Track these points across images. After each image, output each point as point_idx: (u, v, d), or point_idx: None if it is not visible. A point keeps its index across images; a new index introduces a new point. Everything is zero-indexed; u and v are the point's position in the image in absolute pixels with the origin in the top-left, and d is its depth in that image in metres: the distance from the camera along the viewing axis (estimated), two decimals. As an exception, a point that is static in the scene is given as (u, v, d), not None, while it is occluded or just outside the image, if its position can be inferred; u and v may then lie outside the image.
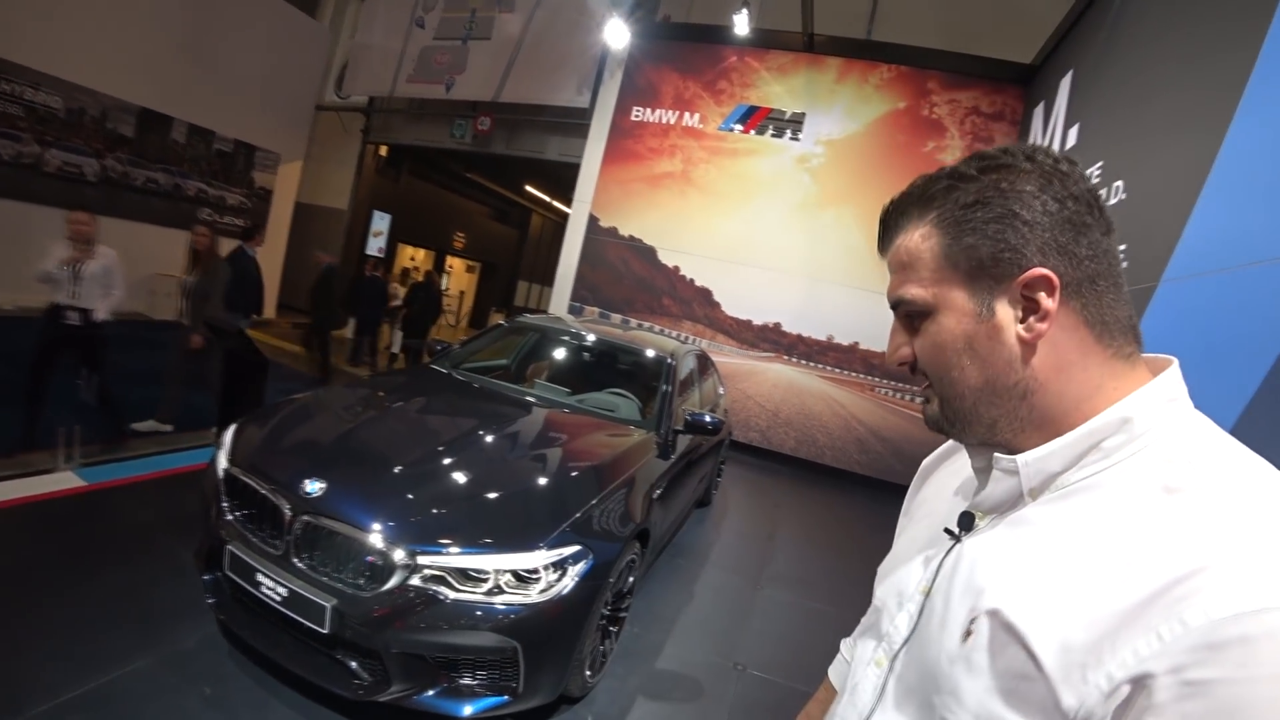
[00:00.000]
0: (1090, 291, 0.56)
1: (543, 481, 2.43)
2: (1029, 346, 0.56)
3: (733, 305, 7.16)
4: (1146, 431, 0.54)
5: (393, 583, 1.89)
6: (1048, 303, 0.55)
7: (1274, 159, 2.83)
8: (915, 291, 0.61)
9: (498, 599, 1.94)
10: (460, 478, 2.29)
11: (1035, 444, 0.57)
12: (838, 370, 6.91)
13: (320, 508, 1.98)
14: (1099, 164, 4.58)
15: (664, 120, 7.40)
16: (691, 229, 7.29)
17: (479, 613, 1.91)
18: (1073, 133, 5.19)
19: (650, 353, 3.85)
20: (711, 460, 4.40)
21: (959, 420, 0.61)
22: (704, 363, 4.64)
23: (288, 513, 1.98)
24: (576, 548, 2.12)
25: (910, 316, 0.63)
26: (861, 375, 6.87)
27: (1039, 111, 6.16)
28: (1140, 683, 0.43)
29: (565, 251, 7.71)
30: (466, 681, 1.96)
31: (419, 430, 2.69)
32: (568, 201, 8.38)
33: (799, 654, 3.15)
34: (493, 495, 2.24)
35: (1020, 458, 0.57)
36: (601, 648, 2.43)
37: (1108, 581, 0.47)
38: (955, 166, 0.60)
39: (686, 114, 7.33)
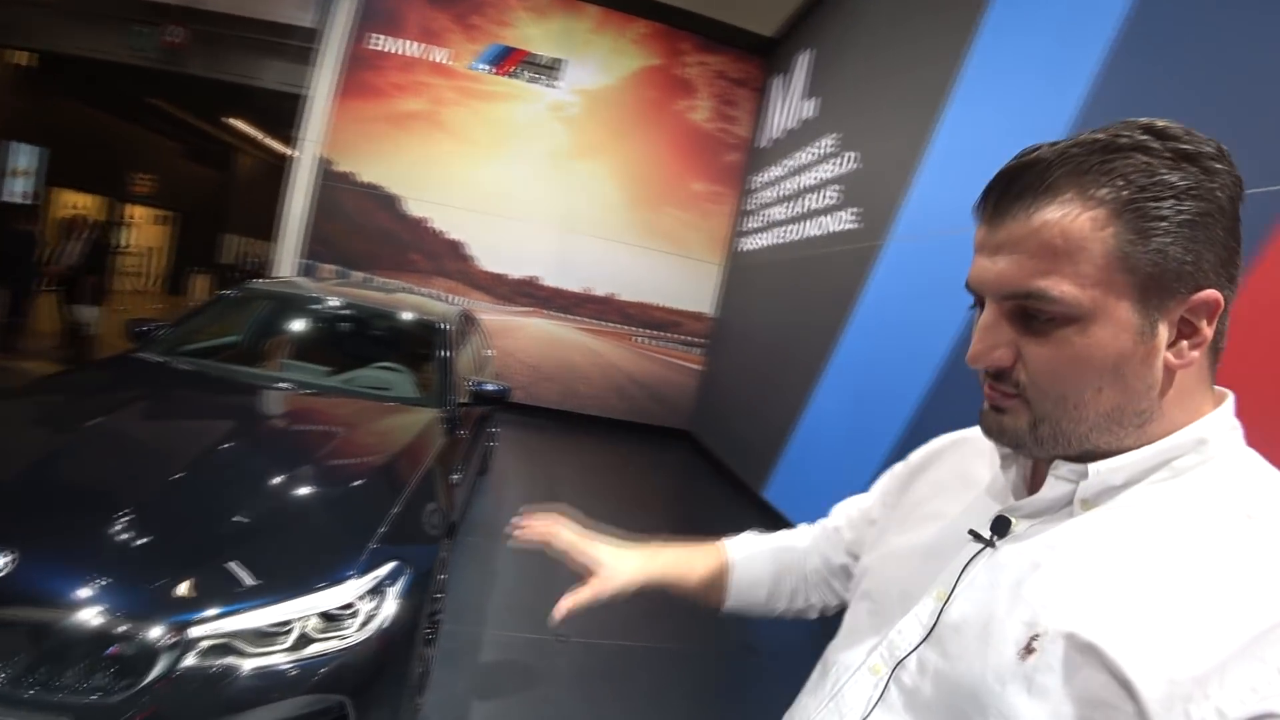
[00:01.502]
0: (1225, 318, 0.50)
1: (331, 493, 2.00)
2: (1169, 374, 0.50)
3: (487, 259, 6.79)
4: (1216, 456, 0.51)
5: (156, 672, 1.38)
6: (1206, 330, 0.49)
7: (975, 144, 3.41)
8: (1068, 290, 0.48)
9: (309, 650, 1.56)
10: (220, 508, 1.77)
11: (1109, 443, 0.52)
12: (595, 321, 7.02)
13: (10, 593, 1.36)
14: (835, 135, 5.11)
15: (408, 53, 6.54)
16: (441, 177, 6.65)
17: (289, 675, 1.51)
18: (811, 105, 5.75)
19: (419, 318, 3.43)
20: (486, 426, 4.15)
21: (1058, 440, 0.52)
22: (470, 323, 4.31)
23: None
24: (392, 564, 1.78)
25: (1031, 315, 0.50)
26: (619, 325, 7.07)
27: (778, 82, 6.68)
28: None
29: (290, 200, 6.47)
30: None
31: (144, 449, 2.03)
32: (288, 140, 7.00)
33: (612, 610, 3.14)
34: (271, 524, 1.78)
35: (1093, 467, 0.51)
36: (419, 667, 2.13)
37: (1210, 609, 0.43)
38: (1126, 135, 0.47)
39: (435, 48, 6.57)
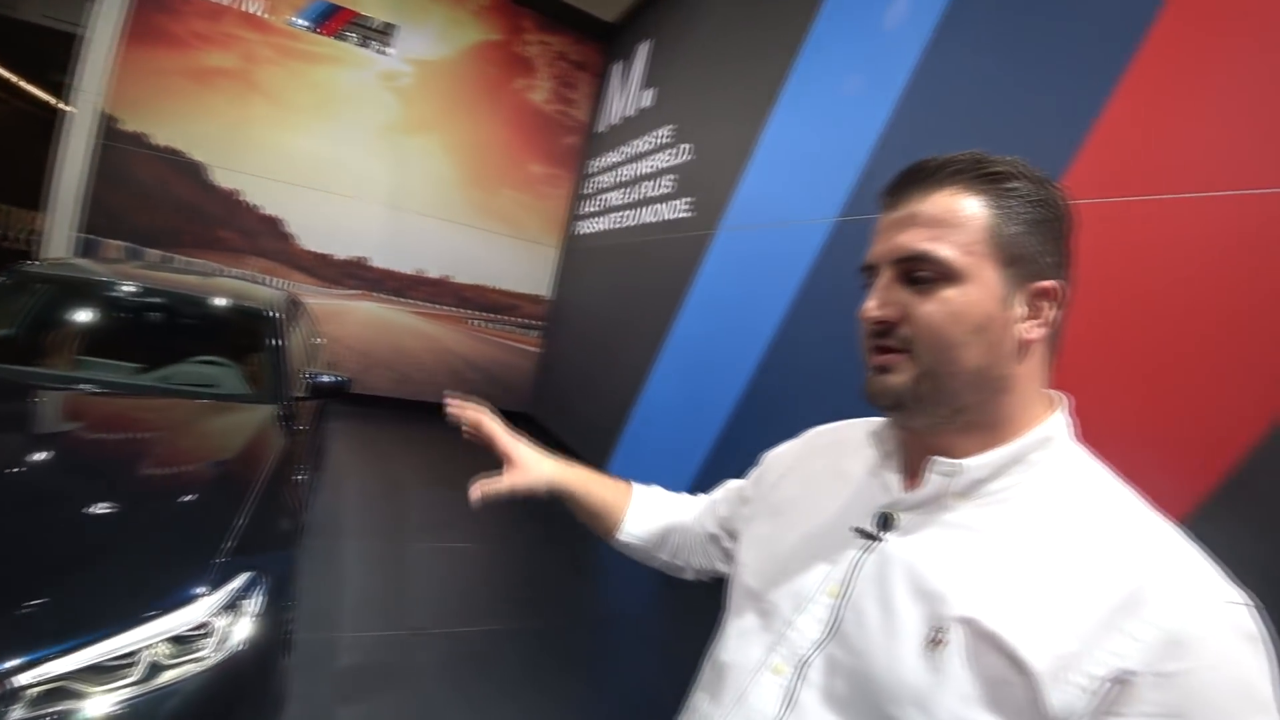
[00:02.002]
0: (1063, 317, 0.62)
1: (167, 506, 1.81)
2: (1023, 348, 0.59)
3: (310, 238, 6.17)
4: (1059, 451, 0.61)
5: None
6: (1049, 314, 0.60)
7: (798, 143, 3.75)
8: (948, 252, 0.58)
9: (162, 679, 1.43)
10: (31, 536, 1.55)
11: (973, 447, 0.60)
12: (429, 305, 6.70)
13: None
14: (672, 125, 5.30)
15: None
16: (256, 145, 5.88)
17: (140, 710, 1.38)
18: (649, 94, 5.87)
19: (242, 304, 3.13)
20: (323, 420, 3.90)
21: (935, 397, 0.59)
22: (298, 308, 3.99)
23: None
24: (246, 575, 1.68)
25: (918, 278, 0.59)
26: (454, 309, 6.82)
27: (618, 68, 6.72)
28: (1120, 679, 0.48)
29: (62, 162, 5.34)
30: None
31: None
32: (55, 88, 5.77)
33: (467, 596, 3.16)
34: (99, 546, 1.59)
35: (967, 463, 0.59)
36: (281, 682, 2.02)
37: (1075, 590, 0.52)
38: (1007, 160, 0.61)
39: (247, -4, 5.72)
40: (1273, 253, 1.76)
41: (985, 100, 2.66)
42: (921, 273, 0.59)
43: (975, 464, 0.59)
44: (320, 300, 6.02)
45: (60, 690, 1.31)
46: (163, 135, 5.61)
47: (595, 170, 6.70)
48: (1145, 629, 0.48)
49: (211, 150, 5.78)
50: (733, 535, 0.89)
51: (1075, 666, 0.49)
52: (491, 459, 0.98)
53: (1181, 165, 2.00)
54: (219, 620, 1.56)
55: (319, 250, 6.24)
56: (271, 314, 3.08)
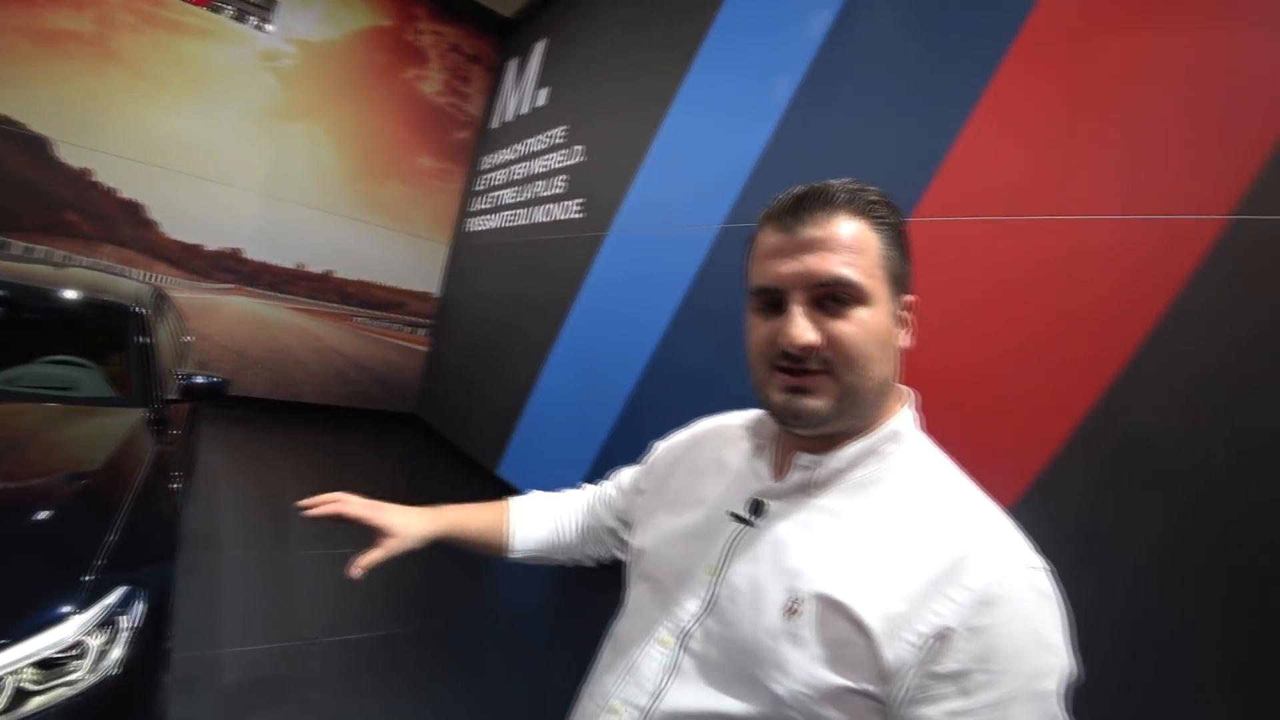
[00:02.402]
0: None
1: (30, 520, 1.67)
2: (899, 355, 0.68)
3: (175, 226, 5.63)
4: (905, 443, 0.69)
5: None
6: (914, 322, 0.69)
7: (688, 152, 3.90)
8: (861, 278, 0.63)
9: (30, 706, 1.34)
10: None
11: (834, 443, 0.67)
12: (310, 301, 6.33)
13: None
14: (564, 126, 5.31)
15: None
16: (111, 120, 5.26)
17: (5, 739, 1.28)
18: (543, 94, 5.85)
19: (102, 299, 2.88)
20: (197, 424, 3.65)
21: (852, 412, 0.65)
22: (165, 303, 3.70)
23: None
24: (121, 590, 1.58)
25: (831, 300, 0.63)
26: (337, 305, 6.48)
27: (513, 65, 6.63)
28: (940, 634, 0.55)
29: None
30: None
31: None
32: None
33: (363, 602, 3.08)
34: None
35: (826, 458, 0.67)
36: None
37: (905, 561, 0.60)
38: (872, 186, 0.67)
39: (104, -49, 5.08)
40: (1083, 270, 2.08)
41: (857, 124, 2.91)
42: (837, 295, 0.63)
43: (833, 459, 0.67)
44: (189, 294, 5.58)
45: (-91, 726, 1.20)
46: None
47: (488, 167, 6.60)
48: (961, 592, 0.56)
49: (58, 123, 5.12)
50: (629, 525, 0.95)
51: (906, 626, 0.56)
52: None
53: (1018, 191, 2.30)
54: (92, 639, 1.47)
55: (187, 240, 5.73)
56: (136, 309, 2.86)
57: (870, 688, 0.57)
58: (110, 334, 2.82)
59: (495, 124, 6.73)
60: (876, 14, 2.93)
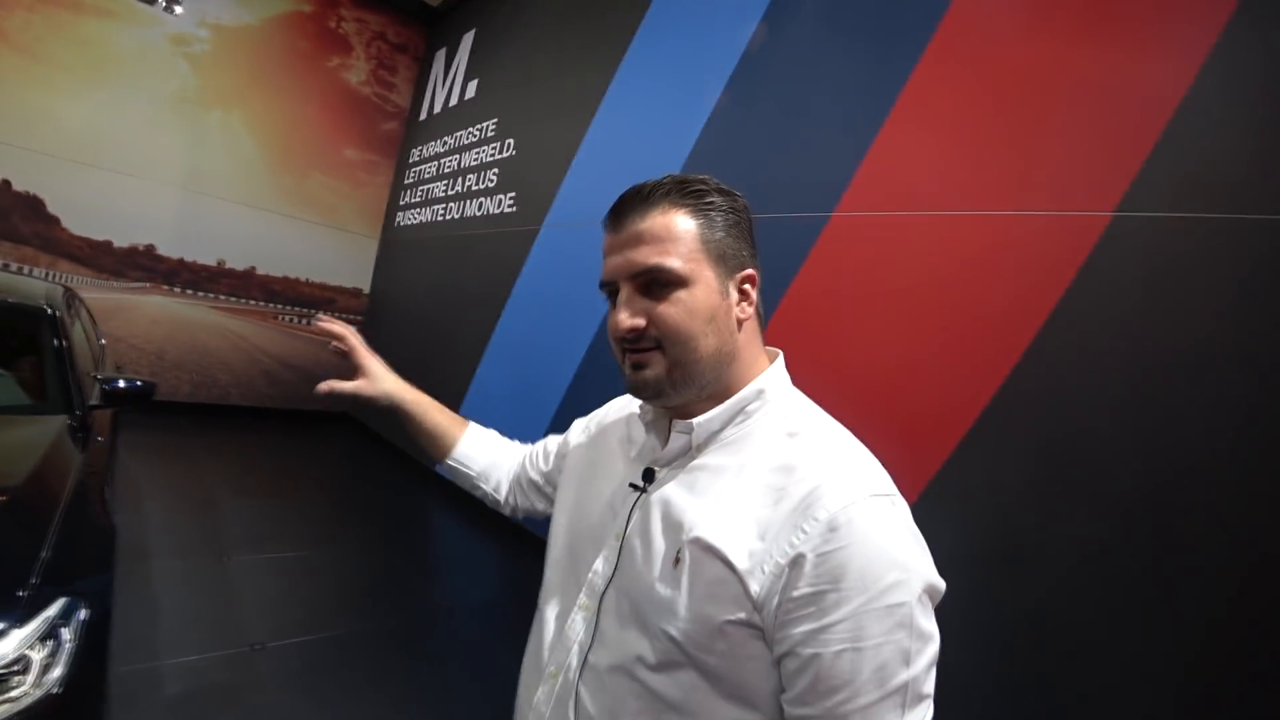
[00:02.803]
0: (759, 293, 0.77)
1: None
2: (739, 325, 0.74)
3: (81, 222, 5.27)
4: (772, 399, 0.75)
5: None
6: (753, 294, 0.75)
7: (619, 148, 3.96)
8: (675, 263, 0.70)
9: (-31, 727, 1.29)
10: None
11: (704, 410, 0.74)
12: (233, 299, 6.07)
13: None
14: (494, 120, 5.26)
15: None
16: (3, 106, 4.88)
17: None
18: (472, 86, 5.77)
19: (9, 300, 2.72)
20: (119, 431, 3.47)
21: (686, 381, 0.72)
22: (75, 303, 3.50)
23: None
24: (61, 600, 1.54)
25: (653, 285, 0.71)
26: (262, 303, 6.24)
27: (441, 55, 6.50)
28: (794, 562, 0.62)
29: None
30: None
31: None
32: None
33: (307, 605, 3.04)
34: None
35: (695, 422, 0.74)
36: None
37: (767, 502, 0.66)
38: (699, 178, 0.75)
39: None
40: (984, 263, 2.26)
41: (784, 123, 3.03)
42: (658, 280, 0.71)
43: (702, 421, 0.74)
44: (99, 294, 5.24)
45: None
46: None
47: (417, 160, 6.48)
48: (811, 523, 0.62)
49: None
50: (552, 486, 1.05)
51: (767, 559, 0.63)
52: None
53: (930, 188, 2.47)
54: (35, 653, 1.43)
55: (93, 236, 5.37)
56: (49, 310, 2.72)
57: (745, 617, 0.63)
58: (19, 338, 2.67)
59: (424, 116, 6.60)
60: (801, 19, 3.06)
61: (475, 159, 5.36)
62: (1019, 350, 2.18)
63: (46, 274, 5.16)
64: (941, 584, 0.64)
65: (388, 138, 6.81)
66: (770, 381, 0.76)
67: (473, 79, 5.72)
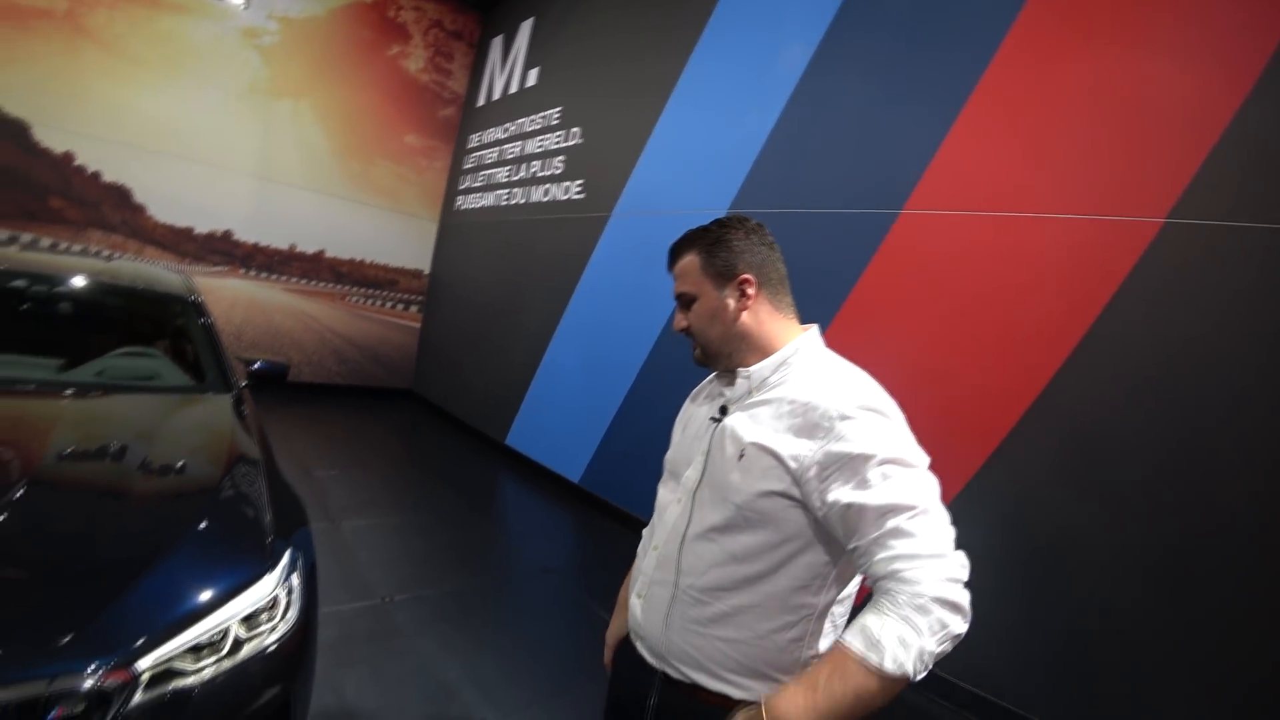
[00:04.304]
0: (769, 286, 1.10)
1: (200, 495, 1.88)
2: (740, 314, 1.08)
3: (164, 209, 5.58)
4: (805, 356, 1.07)
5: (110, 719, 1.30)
6: (750, 290, 1.07)
7: (692, 138, 4.12)
8: (688, 288, 1.10)
9: (244, 651, 1.58)
10: (88, 537, 1.60)
11: (754, 362, 1.08)
12: (304, 281, 6.37)
13: None
14: (559, 108, 5.41)
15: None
16: (91, 101, 5.14)
17: (234, 680, 1.53)
18: (533, 74, 5.89)
19: (156, 289, 2.99)
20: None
21: (713, 356, 1.11)
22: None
23: None
24: (289, 552, 1.83)
25: (686, 302, 1.10)
26: (330, 285, 6.53)
27: (498, 42, 6.64)
28: (817, 450, 0.94)
29: None
30: (231, 760, 1.57)
31: None
32: None
33: (417, 564, 3.35)
34: (163, 536, 1.67)
35: (745, 370, 1.08)
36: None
37: (799, 415, 0.98)
38: (708, 226, 1.12)
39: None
40: (1038, 262, 2.43)
41: (855, 120, 3.20)
42: (684, 300, 1.11)
43: (753, 369, 1.08)
44: (186, 279, 5.54)
45: (169, 672, 1.43)
46: (-33, 86, 4.74)
47: (476, 145, 6.67)
48: (827, 422, 0.95)
49: (35, 106, 4.99)
50: None
51: (800, 450, 0.96)
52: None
53: (994, 189, 2.64)
54: (281, 593, 1.71)
55: (177, 224, 5.69)
56: (193, 297, 3.00)
57: (784, 489, 0.96)
58: (168, 323, 2.96)
59: (481, 101, 6.78)
60: (876, 16, 3.20)
61: (539, 146, 5.54)
62: (1066, 349, 2.33)
63: (133, 258, 5.45)
64: (913, 440, 0.96)
65: (446, 123, 7.01)
66: (804, 343, 1.09)
67: (533, 67, 5.87)
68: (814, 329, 1.12)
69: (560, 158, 5.24)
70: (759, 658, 1.00)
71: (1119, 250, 2.26)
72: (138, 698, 1.36)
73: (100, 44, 5.18)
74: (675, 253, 1.14)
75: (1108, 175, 2.34)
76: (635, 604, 1.16)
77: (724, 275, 1.08)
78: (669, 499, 1.16)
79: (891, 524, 0.88)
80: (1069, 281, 2.37)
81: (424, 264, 7.15)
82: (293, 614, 1.72)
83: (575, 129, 5.13)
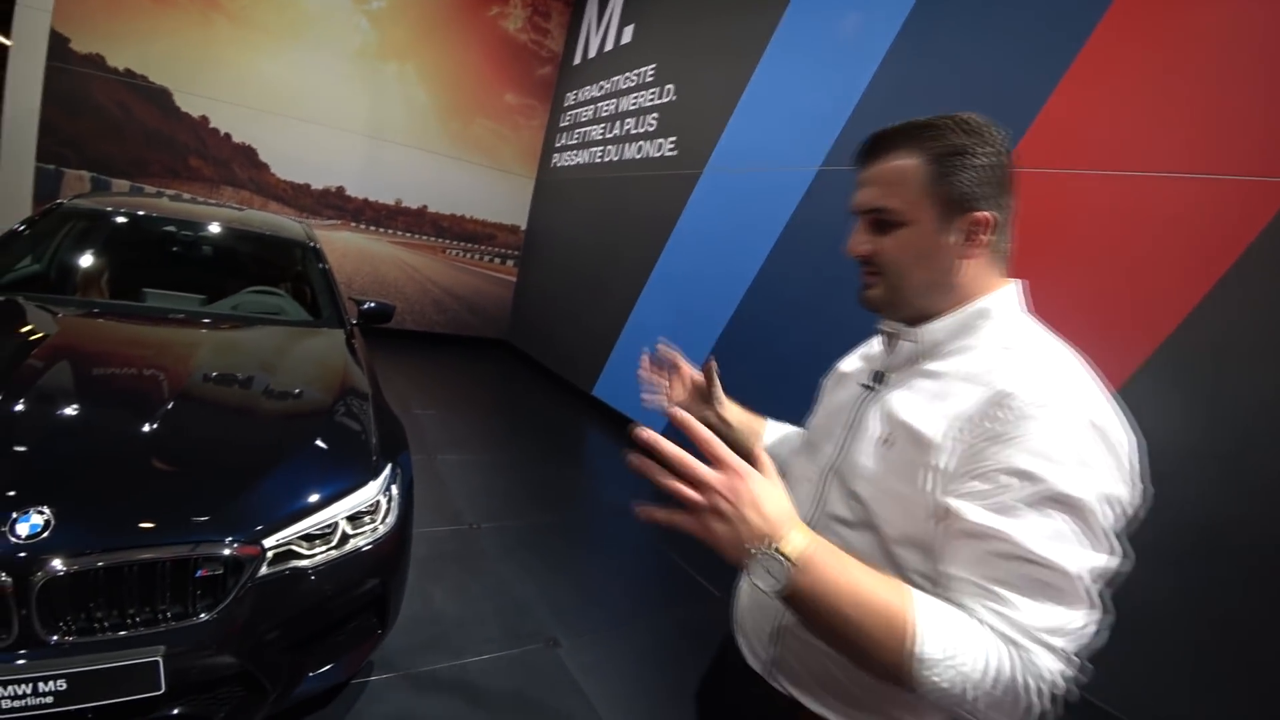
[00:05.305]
0: (1002, 232, 0.80)
1: (319, 411, 2.14)
2: (961, 263, 0.80)
3: (285, 167, 6.09)
4: (996, 319, 0.80)
5: (240, 586, 1.55)
6: (983, 237, 0.79)
7: (785, 95, 4.06)
8: (898, 205, 0.79)
9: (349, 545, 1.81)
10: (229, 434, 1.88)
11: (930, 319, 0.82)
12: (408, 234, 6.79)
13: (65, 546, 1.38)
14: (653, 65, 5.43)
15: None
16: (221, 69, 5.65)
17: (340, 568, 1.76)
18: (628, 31, 5.92)
19: (283, 235, 3.32)
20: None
21: (899, 303, 0.83)
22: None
23: (5, 581, 1.32)
24: (389, 467, 2.05)
25: (881, 223, 0.81)
26: (432, 238, 6.92)
27: (594, 1, 6.69)
28: (982, 441, 0.69)
29: (14, 86, 4.98)
30: (338, 641, 1.82)
31: (108, 391, 1.96)
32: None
33: (502, 497, 3.60)
34: (287, 440, 1.92)
35: (919, 331, 0.83)
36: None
37: (971, 396, 0.74)
38: (940, 119, 0.80)
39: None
40: (1156, 224, 2.25)
41: (955, 71, 3.06)
42: (881, 219, 0.81)
43: (926, 330, 0.82)
44: (302, 231, 6.04)
45: (288, 553, 1.68)
46: (119, 56, 5.32)
47: (572, 104, 6.79)
48: (1005, 411, 0.69)
49: (175, 74, 5.53)
50: None
51: (961, 440, 0.72)
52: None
53: (1107, 147, 2.46)
54: (382, 499, 1.94)
55: (296, 180, 6.18)
56: (313, 243, 3.30)
57: (929, 490, 0.73)
58: (293, 266, 3.28)
59: (578, 60, 6.87)
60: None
61: (633, 103, 5.59)
62: (1175, 320, 2.16)
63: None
64: (1125, 494, 0.67)
65: (543, 82, 7.17)
66: (996, 302, 0.81)
67: (628, 24, 5.89)
68: (1014, 285, 0.84)
69: (653, 115, 5.28)
70: (865, 683, 0.80)
71: (1244, 213, 2.08)
72: (264, 570, 1.61)
73: (229, 15, 5.65)
74: (882, 146, 0.81)
75: (1233, 132, 2.13)
76: (742, 589, 0.99)
77: (956, 205, 0.77)
78: (800, 474, 0.95)
79: (1008, 573, 0.65)
80: (1187, 245, 2.20)
81: (520, 219, 7.42)
82: (391, 519, 1.95)
83: (669, 86, 5.14)
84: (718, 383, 1.16)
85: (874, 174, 0.81)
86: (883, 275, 0.82)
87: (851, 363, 1.03)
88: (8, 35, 5.04)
